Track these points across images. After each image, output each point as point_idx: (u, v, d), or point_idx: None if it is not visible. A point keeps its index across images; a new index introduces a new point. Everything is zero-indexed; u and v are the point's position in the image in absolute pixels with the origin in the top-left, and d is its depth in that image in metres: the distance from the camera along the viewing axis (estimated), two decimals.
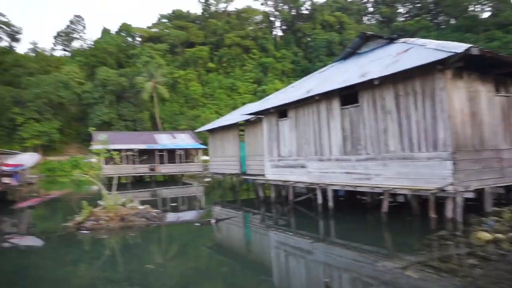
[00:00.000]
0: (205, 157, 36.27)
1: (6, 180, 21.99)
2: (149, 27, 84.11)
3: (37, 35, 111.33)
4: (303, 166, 15.49)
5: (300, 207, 15.60)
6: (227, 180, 28.52)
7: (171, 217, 15.33)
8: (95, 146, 33.53)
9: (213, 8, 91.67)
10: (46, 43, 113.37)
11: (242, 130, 24.04)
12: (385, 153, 11.96)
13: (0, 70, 58.52)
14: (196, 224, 13.34)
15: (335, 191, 14.09)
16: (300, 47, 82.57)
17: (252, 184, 22.07)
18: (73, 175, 15.41)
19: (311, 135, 15.13)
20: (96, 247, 11.17)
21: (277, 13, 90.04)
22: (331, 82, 14.50)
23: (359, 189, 12.83)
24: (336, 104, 13.96)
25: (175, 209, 18.23)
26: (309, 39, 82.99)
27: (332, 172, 14.01)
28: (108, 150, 15.04)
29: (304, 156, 15.51)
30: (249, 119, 21.43)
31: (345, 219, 13.29)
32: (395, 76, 11.23)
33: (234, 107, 53.10)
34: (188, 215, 16.63)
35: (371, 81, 11.76)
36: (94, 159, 34.69)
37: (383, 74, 11.31)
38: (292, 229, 12.62)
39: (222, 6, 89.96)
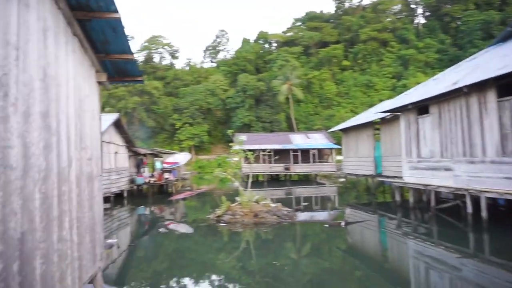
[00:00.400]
0: (340, 157, 35.55)
1: (166, 175, 26.04)
2: (284, 32, 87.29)
3: (190, 51, 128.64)
4: (447, 169, 13.58)
5: (444, 215, 13.74)
6: (361, 181, 27.33)
7: (301, 216, 15.49)
8: (234, 147, 36.88)
9: (347, 5, 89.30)
10: (197, 57, 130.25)
11: (377, 129, 22.64)
12: None
13: (164, 84, 69.61)
14: (326, 225, 13.13)
15: (491, 199, 11.90)
16: (447, 34, 73.02)
17: (388, 187, 20.55)
18: (214, 172, 17.05)
19: (459, 133, 13.14)
20: (233, 239, 12.12)
21: None
22: (484, 70, 12.33)
23: None
24: (491, 96, 11.78)
25: (306, 209, 18.38)
26: (459, 23, 72.60)
27: (486, 176, 11.86)
28: (244, 150, 16.15)
29: (449, 157, 13.58)
30: (384, 117, 20.02)
31: (506, 234, 11.07)
32: None
33: (371, 105, 50.43)
34: (318, 215, 16.52)
35: None
36: (235, 159, 37.84)
37: None
38: (434, 240, 11.20)
39: (356, 1, 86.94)
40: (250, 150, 30.27)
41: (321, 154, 38.13)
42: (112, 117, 21.47)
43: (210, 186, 32.50)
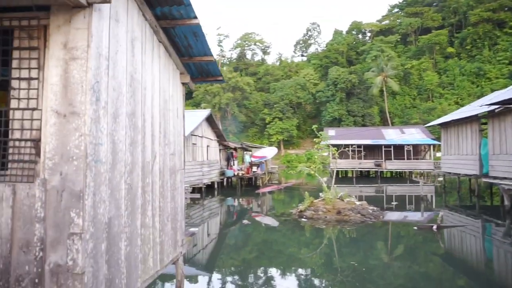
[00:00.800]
0: (439, 154, 32.46)
1: (254, 169, 26.99)
2: (379, 20, 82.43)
3: (281, 46, 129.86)
4: None
5: None
6: (462, 182, 24.63)
7: (389, 216, 14.65)
8: (322, 142, 36.31)
9: None
10: (288, 52, 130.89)
11: (484, 123, 20.09)
12: None
13: (256, 79, 71.79)
14: (415, 227, 12.21)
15: None
16: None
17: (496, 189, 18.17)
18: (298, 167, 17.14)
19: None
20: (313, 235, 12.09)
21: None
22: None
23: None
24: None
25: (396, 208, 17.30)
26: None
27: None
28: (328, 146, 15.87)
29: None
30: (493, 110, 17.65)
31: None
32: None
33: (480, 96, 44.72)
34: (409, 216, 15.42)
35: None
36: (324, 153, 37.40)
37: None
38: None
39: None
40: (335, 146, 29.66)
41: (417, 151, 35.29)
42: (204, 113, 23.00)
43: (298, 181, 32.66)
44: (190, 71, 6.94)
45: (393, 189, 27.53)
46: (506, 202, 14.92)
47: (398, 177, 35.89)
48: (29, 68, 3.59)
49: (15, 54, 3.62)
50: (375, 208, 14.35)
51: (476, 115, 19.41)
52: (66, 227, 3.26)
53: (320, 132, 15.31)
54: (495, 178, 17.10)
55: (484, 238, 12.00)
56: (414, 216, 15.54)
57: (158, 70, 5.40)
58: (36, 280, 3.24)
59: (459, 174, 21.94)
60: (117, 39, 4.05)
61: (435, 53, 67.37)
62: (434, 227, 11.63)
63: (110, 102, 3.81)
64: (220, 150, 26.03)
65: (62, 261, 3.21)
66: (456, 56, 66.32)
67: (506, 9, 66.52)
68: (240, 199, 22.01)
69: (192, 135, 20.42)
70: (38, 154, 3.49)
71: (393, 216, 14.96)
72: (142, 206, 4.46)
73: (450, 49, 67.16)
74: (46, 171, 3.35)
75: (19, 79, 3.59)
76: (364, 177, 36.89)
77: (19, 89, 3.57)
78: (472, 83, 60.31)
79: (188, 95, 71.03)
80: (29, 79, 3.60)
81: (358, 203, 14.38)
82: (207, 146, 23.19)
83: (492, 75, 58.65)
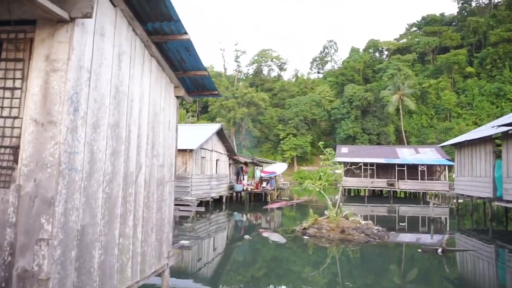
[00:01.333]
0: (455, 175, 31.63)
1: (264, 184, 26.89)
2: (396, 39, 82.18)
3: (298, 63, 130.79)
4: None
5: None
6: (477, 204, 23.87)
7: (395, 237, 14.28)
8: (337, 159, 35.94)
9: (473, 4, 79.64)
10: (304, 69, 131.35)
11: (498, 145, 19.54)
12: None
13: (271, 95, 72.21)
14: (419, 250, 11.85)
15: None
16: None
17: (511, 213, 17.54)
18: (304, 184, 17.01)
19: None
20: (316, 254, 11.88)
21: None
22: None
23: None
24: None
25: (404, 229, 16.85)
26: None
27: None
28: (334, 163, 15.73)
29: None
30: (508, 131, 17.19)
31: None
32: None
33: (500, 117, 43.62)
34: (416, 238, 14.98)
35: None
36: (338, 171, 36.97)
37: None
38: None
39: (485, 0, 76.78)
40: (347, 163, 29.25)
41: (431, 171, 34.51)
42: (215, 127, 23.22)
43: (309, 198, 32.29)
44: (186, 84, 7.08)
45: (406, 210, 26.89)
46: None
47: (412, 198, 35.06)
48: (14, 79, 3.77)
49: (2, 65, 3.81)
50: (380, 228, 14.02)
51: (490, 136, 18.94)
52: (36, 233, 3.34)
53: (326, 149, 15.20)
54: (508, 202, 16.52)
55: (495, 264, 11.53)
56: (421, 238, 15.10)
57: (148, 83, 5.54)
58: (3, 285, 3.31)
59: (472, 196, 21.28)
60: (102, 52, 4.20)
61: (454, 73, 66.45)
62: (439, 250, 11.25)
63: (90, 112, 3.93)
64: (230, 164, 26.11)
65: (29, 266, 3.28)
66: (476, 76, 65.24)
67: None
68: (248, 214, 21.90)
69: (201, 148, 20.61)
70: (16, 161, 3.62)
71: (399, 237, 14.58)
72: (122, 215, 4.51)
73: (469, 69, 66.15)
74: (22, 177, 3.46)
75: (4, 88, 3.76)
76: (377, 196, 36.21)
77: (3, 98, 3.74)
78: (492, 104, 59.01)
79: (204, 110, 71.96)
80: (13, 88, 3.77)
81: (363, 222, 14.10)
82: (217, 160, 23.32)
83: None
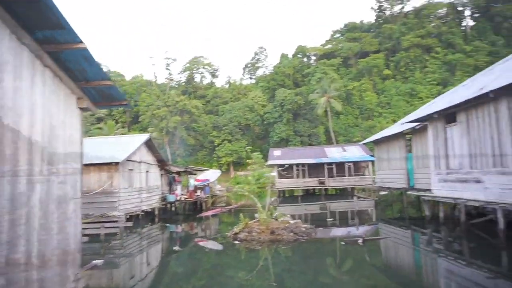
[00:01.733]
0: None
1: (198, 192, 26.53)
2: (322, 45, 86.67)
3: (230, 69, 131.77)
4: (477, 181, 12.50)
5: (477, 230, 12.64)
6: (395, 195, 26.03)
7: (321, 233, 14.97)
8: (269, 162, 36.74)
9: (387, 13, 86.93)
10: (237, 75, 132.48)
11: (410, 140, 21.51)
12: None
13: (204, 102, 71.73)
14: (342, 242, 12.56)
15: None
16: (500, 34, 68.35)
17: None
18: (234, 188, 17.12)
19: (488, 142, 12.09)
20: (248, 258, 11.98)
21: (466, 0, 77.58)
22: None
23: None
24: None
25: (332, 224, 17.74)
26: None
27: None
28: (265, 166, 16.07)
29: (479, 168, 12.52)
30: (415, 127, 19.00)
31: None
32: None
33: None
34: (341, 232, 15.86)
35: None
36: (272, 174, 37.71)
37: None
38: (463, 257, 10.32)
39: (397, 8, 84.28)
40: (281, 165, 30.05)
41: (357, 167, 36.85)
42: (143, 137, 22.42)
43: (245, 202, 32.53)
44: (91, 95, 6.75)
45: (336, 206, 28.33)
46: (427, 213, 15.90)
47: (341, 194, 37.05)
48: None
49: None
50: (308, 226, 14.59)
51: (402, 132, 20.77)
52: None
53: (253, 154, 15.50)
54: (419, 190, 18.23)
55: (410, 248, 12.62)
56: (348, 231, 16.02)
57: (41, 95, 5.17)
58: None
59: (391, 188, 23.13)
60: None
61: (374, 75, 71.83)
62: (360, 240, 12.02)
63: None
64: (161, 175, 25.33)
65: None
66: (392, 77, 71.20)
67: (432, 35, 73.13)
68: (183, 225, 21.43)
69: (128, 160, 19.72)
70: None
71: (326, 232, 15.32)
72: (8, 242, 4.13)
73: (386, 71, 72.00)
74: None
75: None
76: (310, 195, 37.65)
77: None
78: (407, 102, 64.80)
79: (135, 120, 69.11)
80: None
81: (292, 222, 14.54)
82: (147, 171, 22.49)
83: (423, 95, 63.49)
